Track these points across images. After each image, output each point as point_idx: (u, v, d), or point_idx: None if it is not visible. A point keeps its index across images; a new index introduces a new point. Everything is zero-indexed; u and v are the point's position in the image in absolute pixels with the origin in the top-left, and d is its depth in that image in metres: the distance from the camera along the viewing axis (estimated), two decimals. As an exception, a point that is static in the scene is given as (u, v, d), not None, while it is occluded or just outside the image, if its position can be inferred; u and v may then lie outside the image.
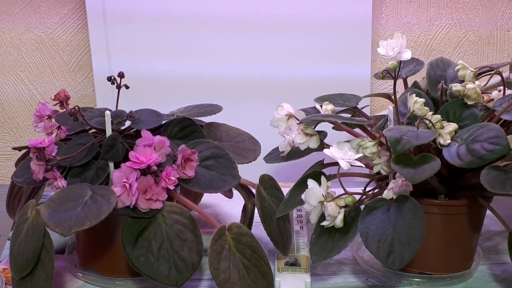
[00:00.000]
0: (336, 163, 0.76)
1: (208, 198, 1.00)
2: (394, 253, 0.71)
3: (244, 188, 0.85)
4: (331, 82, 1.13)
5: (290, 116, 0.83)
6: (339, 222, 0.75)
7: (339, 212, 0.75)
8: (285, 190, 0.84)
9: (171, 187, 0.74)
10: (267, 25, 1.11)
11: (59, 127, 0.83)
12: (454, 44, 1.17)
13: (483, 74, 0.83)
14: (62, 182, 0.75)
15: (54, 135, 0.82)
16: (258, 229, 0.81)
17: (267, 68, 1.12)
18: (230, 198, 0.95)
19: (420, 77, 0.91)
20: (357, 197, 0.77)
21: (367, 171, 0.85)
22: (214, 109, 0.88)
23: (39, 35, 1.13)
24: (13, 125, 1.17)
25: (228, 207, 1.02)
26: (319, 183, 0.76)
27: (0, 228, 0.95)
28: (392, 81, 0.79)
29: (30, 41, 1.13)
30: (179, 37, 1.10)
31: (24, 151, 0.88)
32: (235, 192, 0.90)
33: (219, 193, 0.95)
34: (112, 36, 1.09)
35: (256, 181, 0.83)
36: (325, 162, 0.86)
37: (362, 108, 0.90)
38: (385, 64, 1.14)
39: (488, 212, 0.82)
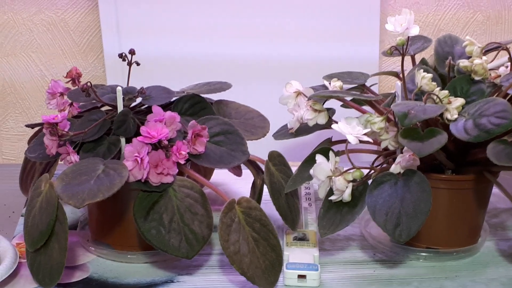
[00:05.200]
0: (344, 141, 0.77)
1: (218, 176, 1.02)
2: (401, 225, 0.72)
3: (253, 165, 0.86)
4: (340, 62, 1.13)
5: (299, 93, 0.84)
6: (347, 196, 0.76)
7: (347, 187, 0.76)
8: (294, 169, 0.85)
9: (182, 162, 0.75)
10: (276, 4, 1.11)
11: (71, 104, 0.84)
12: (463, 24, 1.17)
13: (491, 51, 0.84)
14: (75, 157, 0.76)
15: (66, 111, 0.83)
16: (267, 206, 0.82)
17: (276, 47, 1.13)
18: (239, 176, 0.96)
19: (428, 54, 0.91)
20: (365, 172, 0.78)
21: (375, 147, 0.86)
22: (224, 86, 0.89)
23: (50, 16, 1.14)
24: (25, 106, 1.18)
25: (237, 185, 1.04)
26: (328, 159, 0.77)
27: (13, 205, 0.97)
28: (400, 61, 0.79)
29: (42, 22, 1.14)
30: (189, 17, 1.11)
31: (36, 129, 0.90)
32: (244, 171, 0.91)
33: (228, 172, 0.97)
34: (123, 16, 1.10)
35: (265, 158, 0.84)
36: (333, 139, 0.87)
37: (371, 86, 0.91)
38: (393, 44, 1.15)
39: (495, 190, 0.83)
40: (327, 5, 1.11)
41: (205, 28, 1.11)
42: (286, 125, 0.89)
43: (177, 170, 0.75)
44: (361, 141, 0.76)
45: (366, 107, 0.86)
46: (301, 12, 1.12)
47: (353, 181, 0.76)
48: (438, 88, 0.76)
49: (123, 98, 0.79)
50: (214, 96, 0.89)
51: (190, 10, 1.10)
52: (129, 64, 0.83)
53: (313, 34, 1.13)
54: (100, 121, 0.79)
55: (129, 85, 0.85)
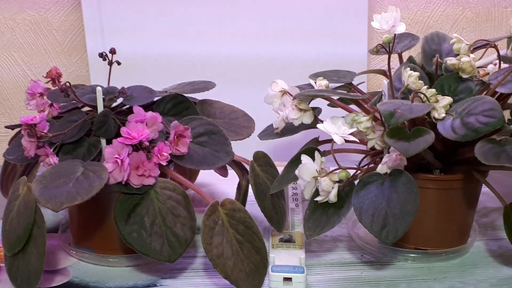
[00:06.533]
0: (330, 140, 0.75)
1: (204, 177, 1.00)
2: (388, 227, 0.71)
3: (238, 165, 0.85)
4: (328, 61, 1.12)
5: (284, 92, 0.83)
6: (333, 197, 0.74)
7: (332, 187, 0.74)
8: (280, 169, 0.84)
9: (164, 163, 0.73)
10: (263, 3, 1.10)
11: (51, 105, 0.82)
12: (452, 21, 1.16)
13: (479, 48, 0.82)
14: (54, 159, 0.75)
15: (46, 112, 0.81)
16: (253, 207, 0.81)
17: (263, 46, 1.11)
18: (225, 177, 0.95)
19: (415, 52, 0.90)
20: (352, 172, 0.76)
21: (362, 147, 0.84)
22: (208, 85, 0.87)
23: (32, 15, 1.12)
24: (7, 106, 1.16)
25: (223, 186, 1.02)
26: (314, 159, 0.76)
27: (-6, 208, 0.95)
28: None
29: (24, 21, 1.12)
30: (173, 17, 1.09)
31: (17, 130, 0.88)
32: (231, 172, 0.90)
33: (215, 173, 0.95)
34: (106, 16, 1.08)
35: (250, 159, 0.82)
36: (320, 139, 0.86)
37: (358, 84, 0.89)
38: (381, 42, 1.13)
39: (484, 189, 0.81)
40: (315, 3, 1.10)
41: (189, 28, 1.10)
42: (271, 124, 0.87)
43: (159, 172, 0.74)
44: (347, 141, 0.75)
45: (353, 106, 0.85)
46: (288, 10, 1.10)
47: (339, 181, 0.75)
48: (425, 87, 0.75)
49: (104, 98, 0.78)
50: (198, 96, 0.88)
51: (174, 9, 1.09)
52: (110, 63, 0.82)
53: (301, 33, 1.11)
54: (80, 122, 0.77)
55: (113, 85, 0.83)
